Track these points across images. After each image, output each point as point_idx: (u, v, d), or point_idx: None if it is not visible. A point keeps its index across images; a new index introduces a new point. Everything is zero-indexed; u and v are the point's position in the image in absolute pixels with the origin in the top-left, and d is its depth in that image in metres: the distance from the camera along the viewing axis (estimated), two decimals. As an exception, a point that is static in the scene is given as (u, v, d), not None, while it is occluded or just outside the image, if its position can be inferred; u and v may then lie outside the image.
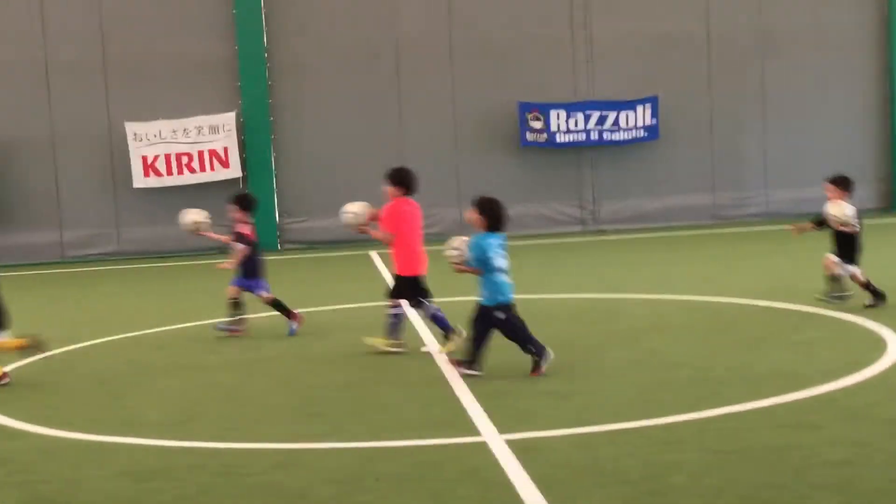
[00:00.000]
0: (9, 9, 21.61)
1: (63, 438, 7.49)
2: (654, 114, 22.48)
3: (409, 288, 10.14)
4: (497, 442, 6.90)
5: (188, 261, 20.66)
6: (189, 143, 21.75)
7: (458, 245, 9.00)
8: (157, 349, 11.03)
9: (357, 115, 22.34)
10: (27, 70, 21.63)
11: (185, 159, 21.70)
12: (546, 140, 22.35)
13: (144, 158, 21.57)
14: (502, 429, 7.20)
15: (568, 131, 22.37)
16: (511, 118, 22.38)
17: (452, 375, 8.98)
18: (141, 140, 21.57)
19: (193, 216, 11.87)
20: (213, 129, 21.76)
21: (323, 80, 22.29)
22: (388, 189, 10.22)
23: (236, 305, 11.42)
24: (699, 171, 22.99)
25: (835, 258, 11.45)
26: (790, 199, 22.98)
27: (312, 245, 21.99)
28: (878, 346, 9.39)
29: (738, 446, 6.60)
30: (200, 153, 21.73)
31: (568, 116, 22.29)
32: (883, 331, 10.03)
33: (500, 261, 8.86)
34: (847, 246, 11.45)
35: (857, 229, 11.42)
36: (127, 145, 21.54)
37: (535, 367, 8.80)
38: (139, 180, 21.63)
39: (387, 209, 10.19)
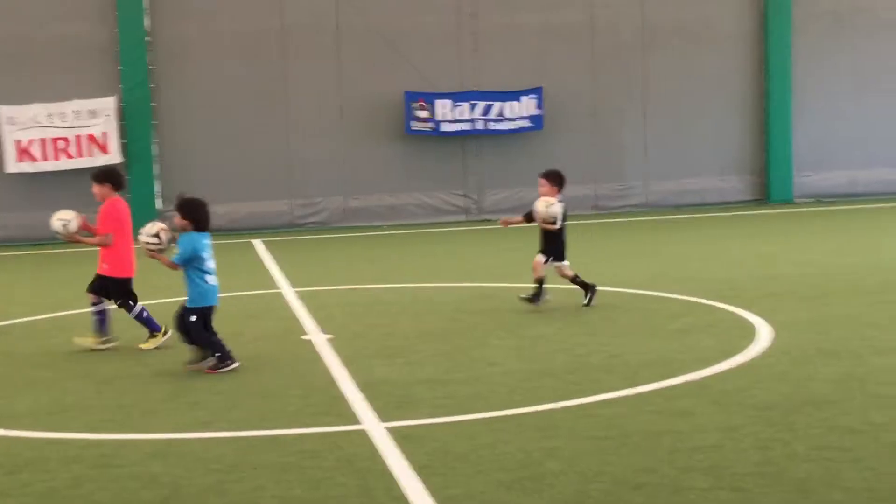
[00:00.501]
0: None
1: (-70, 431, 7.28)
2: (539, 104, 22.72)
3: (121, 289, 9.93)
4: (377, 430, 6.92)
5: (63, 248, 20.17)
6: (66, 127, 21.21)
7: (157, 232, 8.95)
8: (28, 339, 10.76)
9: (243, 102, 22.06)
10: None
11: (61, 144, 21.18)
12: (432, 129, 22.42)
13: (18, 143, 21.00)
14: (382, 417, 7.22)
15: (453, 121, 22.46)
16: (398, 107, 22.37)
17: (332, 363, 8.97)
18: (15, 124, 20.99)
19: None
20: (92, 114, 21.27)
21: (208, 65, 21.94)
22: (97, 189, 9.96)
23: None
24: (582, 161, 23.24)
25: (542, 258, 11.38)
26: (669, 191, 23.50)
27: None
28: (750, 333, 9.68)
29: (613, 432, 6.73)
30: (78, 138, 21.22)
31: (454, 106, 22.38)
32: (753, 318, 10.33)
33: (209, 262, 8.87)
34: (553, 242, 11.39)
35: (558, 227, 11.27)
36: (0, 129, 20.94)
37: (213, 367, 8.78)
38: (12, 165, 21.05)
39: (104, 210, 9.93)
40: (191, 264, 8.75)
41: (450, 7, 22.77)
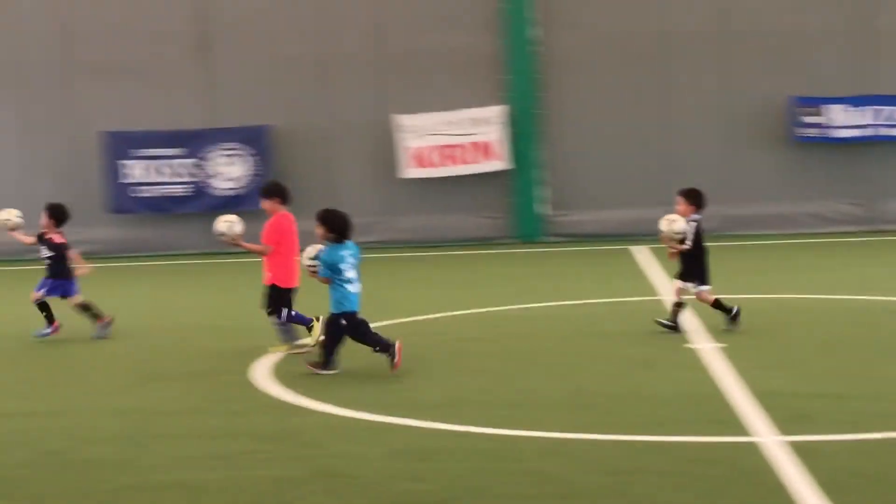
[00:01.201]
0: (294, 6, 22.66)
1: (347, 417, 7.82)
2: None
3: (281, 297, 10.28)
4: (773, 443, 6.71)
5: (459, 250, 21.08)
6: (458, 134, 22.18)
7: (317, 254, 9.35)
8: (434, 335, 11.27)
9: (626, 108, 22.10)
10: (308, 63, 22.65)
11: (453, 151, 22.16)
12: (822, 135, 21.48)
13: (412, 149, 22.18)
14: (778, 430, 6.99)
15: (847, 126, 21.41)
16: (783, 112, 21.62)
17: (722, 373, 8.80)
18: (410, 132, 22.19)
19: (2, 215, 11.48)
20: (482, 122, 22.11)
21: (592, 72, 22.16)
22: (265, 203, 10.45)
23: (43, 308, 11.70)
24: None
25: (679, 283, 10.84)
26: None
27: (577, 238, 22.01)
28: None
29: None
30: (468, 145, 22.14)
31: (848, 111, 21.33)
32: None
33: (349, 272, 9.24)
34: (690, 265, 10.78)
35: (688, 247, 10.70)
36: (397, 136, 22.21)
37: (392, 365, 9.11)
38: (407, 171, 22.27)
39: (269, 223, 10.36)
40: (333, 275, 9.21)
41: (842, 7, 21.74)
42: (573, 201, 22.26)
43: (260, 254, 10.46)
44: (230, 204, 22.35)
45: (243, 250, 10.63)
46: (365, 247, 22.00)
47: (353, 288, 9.28)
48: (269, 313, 10.34)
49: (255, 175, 22.22)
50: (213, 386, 9.14)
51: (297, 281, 10.40)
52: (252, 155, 22.30)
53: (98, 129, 22.04)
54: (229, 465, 6.63)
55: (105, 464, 6.77)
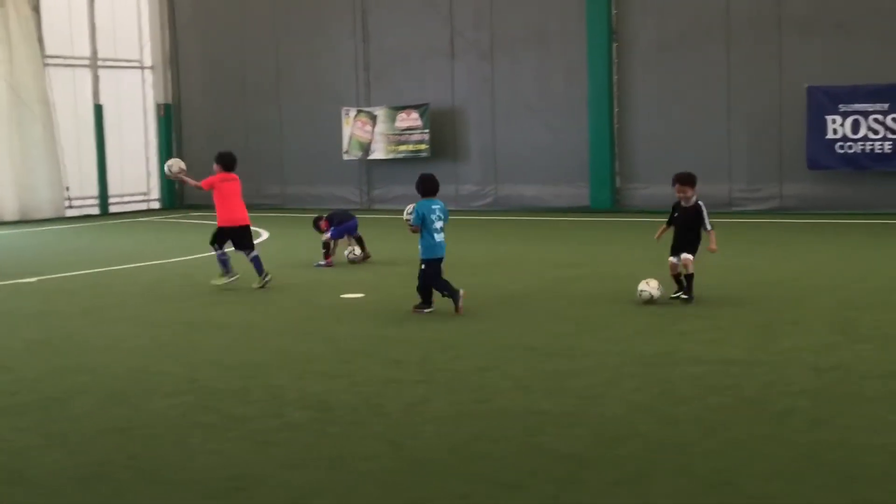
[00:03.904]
0: None
1: None
2: None
3: (224, 236, 13.15)
4: None
5: None
6: None
7: (410, 210, 11.22)
8: None
9: None
10: None
11: None
12: None
13: None
14: None
15: None
16: None
17: None
18: None
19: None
20: None
21: None
22: (215, 166, 13.35)
23: (326, 246, 15.37)
24: None
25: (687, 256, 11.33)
26: None
27: None
28: None
29: None
30: None
31: None
32: None
33: (437, 223, 10.86)
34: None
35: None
36: None
37: (455, 308, 10.76)
38: None
39: (211, 177, 13.35)
40: (423, 226, 10.82)
41: None
42: None
43: (195, 188, 13.41)
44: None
45: (187, 184, 13.83)
46: None
47: (439, 238, 10.88)
48: (211, 244, 13.25)
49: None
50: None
51: (234, 223, 13.12)
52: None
53: (805, 83, 21.90)
54: (933, 437, 6.26)
55: (799, 416, 6.74)
